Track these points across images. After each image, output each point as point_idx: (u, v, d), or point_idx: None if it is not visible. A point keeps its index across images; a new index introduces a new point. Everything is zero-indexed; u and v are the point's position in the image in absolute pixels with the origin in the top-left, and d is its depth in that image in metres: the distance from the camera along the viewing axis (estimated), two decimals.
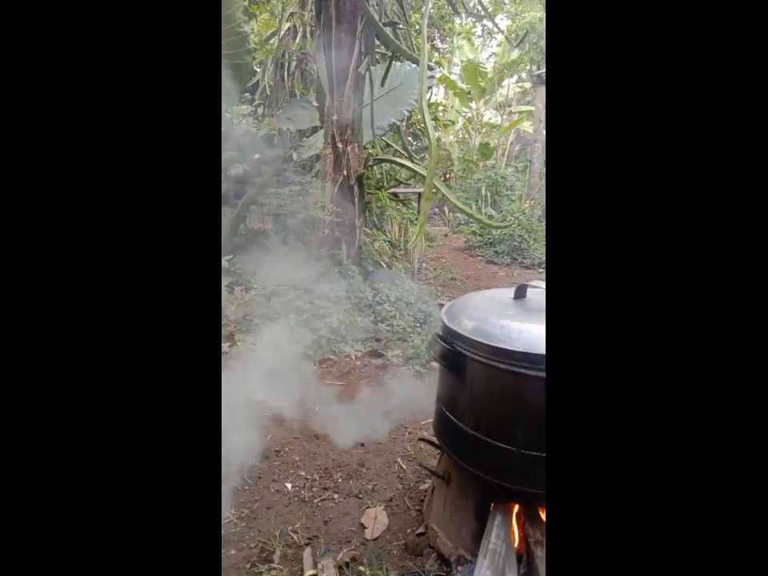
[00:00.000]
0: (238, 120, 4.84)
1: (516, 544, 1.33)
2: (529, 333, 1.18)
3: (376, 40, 3.73)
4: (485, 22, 9.79)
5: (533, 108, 8.57)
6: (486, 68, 9.80)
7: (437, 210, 8.76)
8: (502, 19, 10.41)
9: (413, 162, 4.59)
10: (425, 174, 3.53)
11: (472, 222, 6.90)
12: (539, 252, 6.02)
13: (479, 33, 10.92)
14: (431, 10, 7.39)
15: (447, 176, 10.01)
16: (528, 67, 8.87)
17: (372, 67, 3.77)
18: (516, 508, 1.35)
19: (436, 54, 9.35)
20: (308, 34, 4.71)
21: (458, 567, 1.37)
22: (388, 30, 3.75)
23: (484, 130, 10.39)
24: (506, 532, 1.27)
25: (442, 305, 1.48)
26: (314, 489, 1.86)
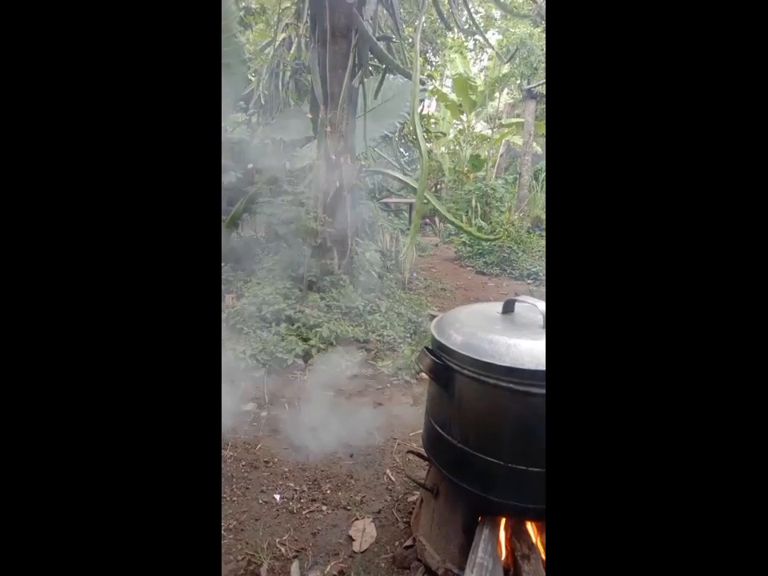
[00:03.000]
0: (232, 128, 4.85)
1: (503, 558, 1.34)
2: (517, 348, 1.20)
3: (369, 53, 3.78)
4: (476, 36, 9.94)
5: (522, 120, 8.69)
6: (477, 82, 9.94)
7: (428, 220, 8.81)
8: (493, 34, 10.58)
9: (404, 173, 4.64)
10: (416, 186, 3.56)
11: (462, 233, 6.95)
12: (528, 263, 6.09)
13: (471, 47, 11.08)
14: (424, 25, 7.50)
15: (438, 187, 10.09)
16: (518, 81, 9.00)
17: (365, 80, 3.82)
18: (503, 522, 1.36)
19: (428, 67, 9.47)
20: (303, 46, 4.75)
21: None
22: (381, 44, 3.81)
23: (475, 141, 10.51)
24: (493, 546, 1.28)
25: (434, 315, 1.50)
26: (302, 500, 1.85)
